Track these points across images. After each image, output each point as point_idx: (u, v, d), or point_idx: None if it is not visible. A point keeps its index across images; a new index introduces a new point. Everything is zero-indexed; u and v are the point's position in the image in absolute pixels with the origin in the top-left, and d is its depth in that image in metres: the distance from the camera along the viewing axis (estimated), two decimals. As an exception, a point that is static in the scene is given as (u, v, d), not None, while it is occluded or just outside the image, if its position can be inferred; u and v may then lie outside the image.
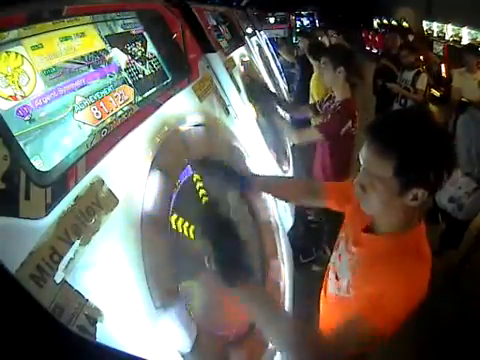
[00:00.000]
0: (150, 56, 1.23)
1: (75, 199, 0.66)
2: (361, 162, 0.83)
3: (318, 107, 2.26)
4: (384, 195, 0.80)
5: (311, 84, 3.17)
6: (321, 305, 1.11)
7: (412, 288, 0.78)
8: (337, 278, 1.00)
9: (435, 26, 6.92)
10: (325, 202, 1.17)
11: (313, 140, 2.09)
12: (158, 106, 1.06)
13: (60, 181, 0.65)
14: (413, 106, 3.37)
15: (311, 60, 3.17)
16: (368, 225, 0.94)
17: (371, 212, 0.90)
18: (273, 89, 3.12)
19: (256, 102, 2.08)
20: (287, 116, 2.79)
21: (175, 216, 0.96)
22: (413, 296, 0.78)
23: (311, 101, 3.12)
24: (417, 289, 0.79)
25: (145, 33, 1.24)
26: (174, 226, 0.95)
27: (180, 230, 0.98)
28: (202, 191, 1.11)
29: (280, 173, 2.18)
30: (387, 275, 0.78)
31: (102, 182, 0.74)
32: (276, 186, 1.29)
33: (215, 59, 1.70)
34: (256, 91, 2.10)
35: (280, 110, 2.38)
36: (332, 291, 1.03)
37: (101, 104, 0.91)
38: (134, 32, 1.18)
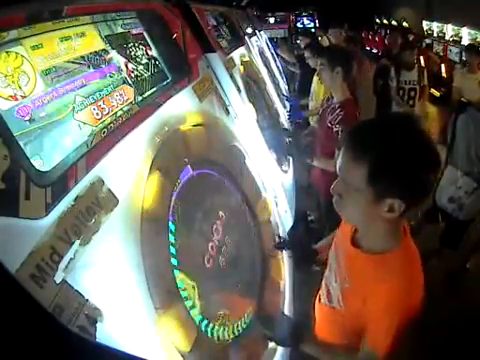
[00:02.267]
0: (150, 56, 1.23)
1: (75, 199, 0.66)
2: (337, 171, 0.80)
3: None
4: (359, 204, 0.76)
5: (313, 84, 3.16)
6: (316, 310, 1.10)
7: (401, 306, 0.76)
8: (328, 290, 0.99)
9: (435, 26, 6.91)
10: None
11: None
12: (158, 106, 1.06)
13: (60, 181, 0.66)
14: (401, 113, 3.34)
15: (310, 61, 3.16)
16: (353, 236, 0.91)
17: (349, 221, 0.89)
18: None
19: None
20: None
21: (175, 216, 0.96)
22: (404, 314, 0.77)
23: (311, 101, 3.12)
24: (408, 306, 0.77)
25: (145, 33, 1.24)
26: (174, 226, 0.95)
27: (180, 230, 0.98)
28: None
29: (280, 173, 2.18)
30: (376, 296, 0.77)
31: (102, 182, 0.74)
32: None
33: (215, 59, 1.70)
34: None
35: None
36: (324, 301, 1.02)
37: (101, 104, 0.91)
38: (134, 32, 1.18)
